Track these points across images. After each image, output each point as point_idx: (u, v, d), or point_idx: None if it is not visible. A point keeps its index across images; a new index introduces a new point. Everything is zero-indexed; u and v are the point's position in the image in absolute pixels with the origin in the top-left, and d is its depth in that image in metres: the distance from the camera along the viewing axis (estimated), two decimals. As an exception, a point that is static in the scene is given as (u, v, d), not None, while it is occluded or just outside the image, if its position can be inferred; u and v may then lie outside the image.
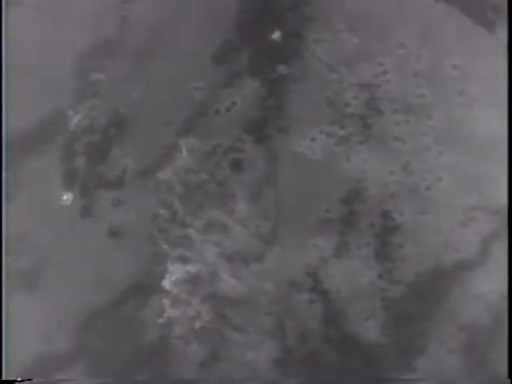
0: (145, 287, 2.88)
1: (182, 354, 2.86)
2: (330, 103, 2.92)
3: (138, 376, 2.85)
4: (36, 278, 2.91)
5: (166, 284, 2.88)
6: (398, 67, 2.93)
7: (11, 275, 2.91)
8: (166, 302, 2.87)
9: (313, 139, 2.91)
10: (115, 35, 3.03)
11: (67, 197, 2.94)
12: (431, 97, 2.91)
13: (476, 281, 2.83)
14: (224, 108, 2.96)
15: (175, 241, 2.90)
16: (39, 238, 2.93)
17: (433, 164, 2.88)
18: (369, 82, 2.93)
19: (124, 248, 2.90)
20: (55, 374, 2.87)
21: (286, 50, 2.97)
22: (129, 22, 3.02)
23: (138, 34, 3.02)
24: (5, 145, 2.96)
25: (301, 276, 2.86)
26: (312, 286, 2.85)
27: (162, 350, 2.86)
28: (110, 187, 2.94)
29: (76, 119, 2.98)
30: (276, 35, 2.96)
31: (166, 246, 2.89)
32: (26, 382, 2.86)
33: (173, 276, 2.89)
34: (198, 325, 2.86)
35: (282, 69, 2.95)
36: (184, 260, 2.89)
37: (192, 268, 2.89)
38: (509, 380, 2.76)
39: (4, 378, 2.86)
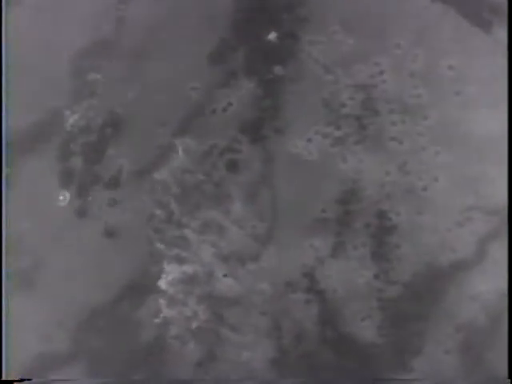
0: (141, 287, 2.89)
1: (179, 354, 2.86)
2: (326, 104, 2.92)
3: (134, 376, 2.85)
4: (35, 278, 2.92)
5: (163, 284, 2.89)
6: (394, 67, 2.92)
7: (11, 275, 2.92)
8: (162, 302, 2.88)
9: (309, 140, 2.91)
10: (111, 35, 3.03)
11: (64, 197, 2.95)
12: (428, 97, 2.91)
13: (473, 281, 2.83)
14: (220, 108, 2.95)
15: (171, 241, 2.90)
16: (37, 238, 2.93)
17: (429, 164, 2.88)
18: (365, 82, 2.92)
19: (120, 248, 2.91)
20: (55, 374, 2.88)
21: (282, 51, 2.96)
22: (125, 23, 3.03)
23: (134, 34, 3.02)
24: (5, 144, 2.97)
25: (297, 276, 2.86)
26: (308, 286, 2.85)
27: (159, 350, 2.86)
28: (106, 187, 2.95)
29: (72, 119, 2.98)
30: (272, 36, 2.96)
31: (162, 246, 2.90)
32: (26, 382, 2.87)
33: (169, 276, 2.89)
34: (194, 325, 2.87)
35: (277, 69, 2.94)
36: (180, 260, 2.89)
37: (188, 268, 2.89)
38: (509, 380, 2.76)
39: (4, 378, 2.87)
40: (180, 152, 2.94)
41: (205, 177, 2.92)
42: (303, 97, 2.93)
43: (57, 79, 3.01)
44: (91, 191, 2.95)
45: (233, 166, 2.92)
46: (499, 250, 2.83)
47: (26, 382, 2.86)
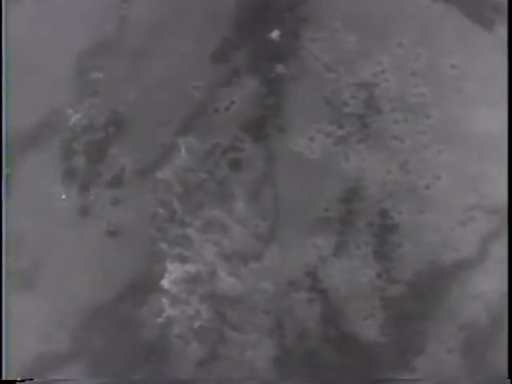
0: (143, 286, 2.89)
1: (181, 353, 2.86)
2: (329, 102, 2.92)
3: (135, 375, 2.85)
4: (35, 278, 2.91)
5: (165, 283, 2.88)
6: (396, 66, 2.93)
7: (11, 275, 2.91)
8: (165, 301, 2.87)
9: (311, 139, 2.91)
10: (114, 34, 3.03)
11: (66, 195, 2.94)
12: (430, 95, 2.91)
13: (475, 280, 2.83)
14: (223, 107, 2.95)
15: (174, 240, 2.90)
16: (37, 238, 2.93)
17: (431, 163, 2.88)
18: (367, 80, 2.93)
19: (122, 247, 2.90)
20: (55, 374, 2.87)
21: (285, 49, 2.96)
22: (127, 21, 3.03)
23: (136, 33, 3.02)
24: (5, 144, 2.97)
25: (300, 275, 2.86)
26: (311, 285, 2.85)
27: (161, 349, 2.86)
28: (109, 186, 2.95)
29: (75, 118, 2.98)
30: (275, 34, 2.96)
31: (164, 246, 2.90)
32: (27, 382, 2.86)
33: (172, 275, 2.89)
34: (197, 324, 2.86)
35: (280, 68, 2.94)
36: (183, 259, 2.89)
37: (191, 267, 2.89)
38: (509, 380, 2.76)
39: (4, 377, 2.86)
40: (183, 151, 2.94)
41: (207, 176, 2.92)
42: (306, 95, 2.93)
43: (59, 78, 3.01)
44: (93, 190, 2.94)
45: (235, 165, 2.92)
46: (501, 250, 2.83)
47: (27, 382, 2.86)
